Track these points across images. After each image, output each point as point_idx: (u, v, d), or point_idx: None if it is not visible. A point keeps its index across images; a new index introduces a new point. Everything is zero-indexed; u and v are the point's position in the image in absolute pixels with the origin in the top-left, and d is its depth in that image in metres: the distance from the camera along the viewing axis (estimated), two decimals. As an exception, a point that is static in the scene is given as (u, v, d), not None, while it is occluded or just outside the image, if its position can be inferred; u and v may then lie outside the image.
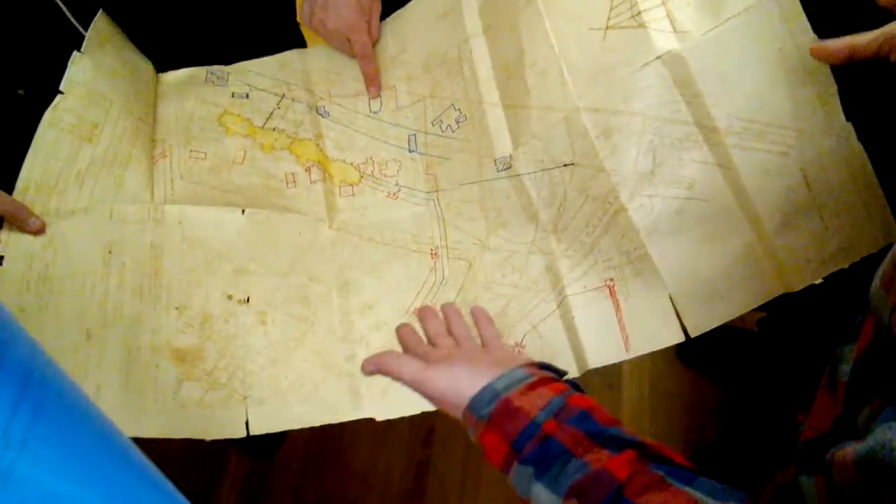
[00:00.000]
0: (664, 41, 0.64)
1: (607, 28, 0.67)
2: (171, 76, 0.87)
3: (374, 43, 0.86)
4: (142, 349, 0.67)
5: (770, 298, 0.63)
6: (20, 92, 0.75)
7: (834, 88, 0.60)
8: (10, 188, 0.69)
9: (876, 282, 0.39)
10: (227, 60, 0.88)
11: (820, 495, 0.38)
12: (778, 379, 1.07)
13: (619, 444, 0.46)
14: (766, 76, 0.61)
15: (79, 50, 0.75)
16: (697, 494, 0.41)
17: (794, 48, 0.60)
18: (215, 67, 0.87)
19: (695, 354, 1.36)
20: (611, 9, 0.67)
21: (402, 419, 1.42)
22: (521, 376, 0.52)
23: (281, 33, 0.91)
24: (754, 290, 0.64)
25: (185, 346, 0.69)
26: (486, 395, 0.51)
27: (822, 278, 0.62)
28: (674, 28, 0.64)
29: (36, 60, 0.76)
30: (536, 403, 0.50)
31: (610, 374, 1.40)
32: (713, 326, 0.64)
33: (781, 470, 0.50)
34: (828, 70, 0.59)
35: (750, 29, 0.61)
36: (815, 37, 0.59)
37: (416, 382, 0.55)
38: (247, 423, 0.66)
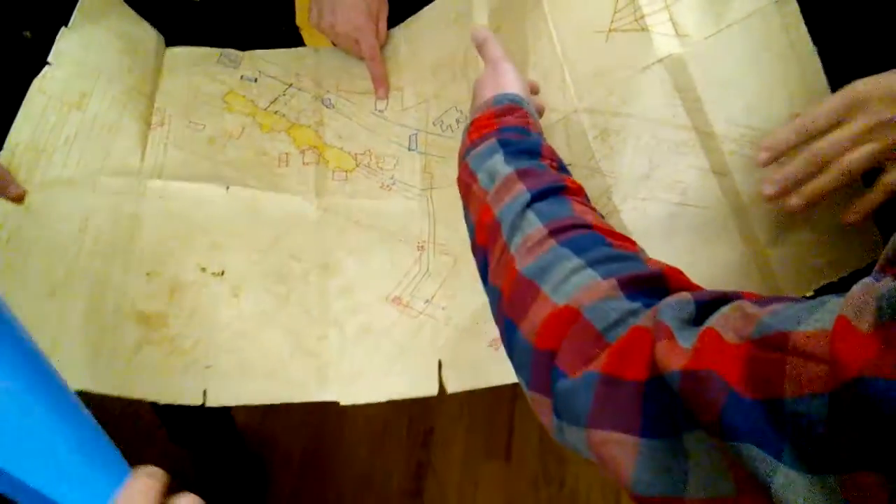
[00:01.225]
0: (666, 44, 0.62)
1: (610, 31, 0.66)
2: (183, 51, 0.86)
3: (382, 45, 0.85)
4: (105, 310, 0.66)
5: None
6: (27, 34, 0.75)
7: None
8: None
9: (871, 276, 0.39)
10: (242, 49, 0.88)
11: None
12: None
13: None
14: (765, 83, 0.60)
15: (66, 24, 0.75)
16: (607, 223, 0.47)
17: (793, 57, 0.59)
18: (229, 50, 0.87)
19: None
20: (615, 11, 0.66)
21: (400, 420, 1.45)
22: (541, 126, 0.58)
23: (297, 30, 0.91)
24: None
25: (150, 310, 0.68)
26: (517, 98, 0.58)
27: (813, 291, 0.60)
28: (676, 32, 0.62)
29: (43, 2, 0.76)
30: (538, 129, 0.56)
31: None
32: None
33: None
34: (824, 81, 0.58)
35: (751, 35, 0.60)
36: (814, 48, 0.58)
37: (496, 60, 0.61)
38: (205, 393, 0.65)
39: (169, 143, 0.78)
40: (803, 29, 0.59)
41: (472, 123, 0.57)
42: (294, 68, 0.87)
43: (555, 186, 0.48)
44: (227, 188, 0.75)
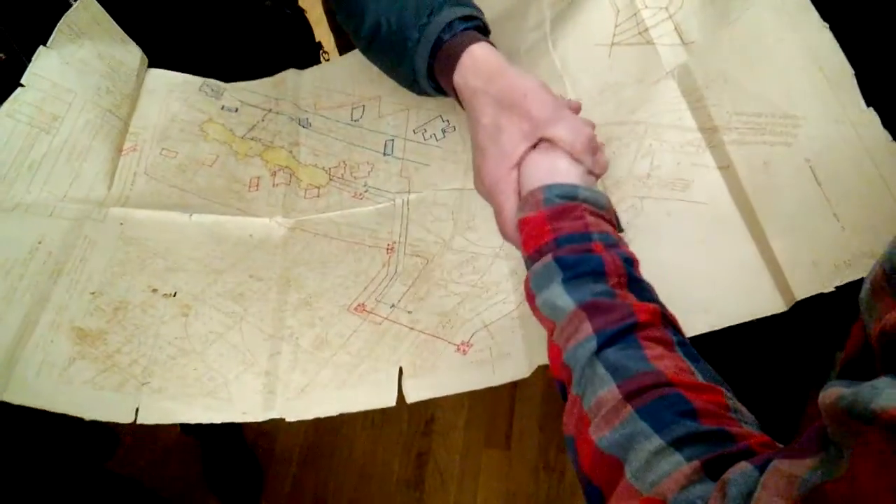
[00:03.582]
0: (673, 55, 0.61)
1: (613, 45, 0.65)
2: (164, 75, 0.84)
3: None
4: (39, 325, 0.64)
5: (767, 313, 0.54)
6: (1, 56, 0.72)
7: (849, 74, 0.53)
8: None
9: (866, 287, 0.36)
10: (227, 79, 0.85)
11: None
12: (777, 384, 1.04)
13: (649, 299, 0.46)
14: (767, 68, 0.57)
15: (45, 43, 0.72)
16: (694, 368, 0.41)
17: (798, 38, 0.55)
18: (212, 81, 0.84)
19: (694, 346, 1.32)
20: (615, 25, 0.65)
21: (401, 409, 1.43)
22: (604, 202, 0.51)
23: (283, 59, 0.87)
24: (747, 302, 0.55)
25: (88, 327, 0.64)
26: (569, 189, 0.50)
27: (836, 287, 0.52)
28: (682, 40, 0.61)
29: (19, 24, 0.73)
30: (600, 227, 0.49)
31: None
32: (692, 335, 0.54)
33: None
34: (841, 55, 0.53)
35: (750, 27, 0.57)
36: (823, 23, 0.54)
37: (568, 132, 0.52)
38: (137, 411, 0.61)
39: (139, 171, 0.76)
40: (809, 6, 0.55)
41: (522, 224, 0.50)
42: (274, 94, 0.84)
43: (625, 326, 0.42)
44: (191, 216, 0.73)
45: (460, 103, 0.59)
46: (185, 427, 1.32)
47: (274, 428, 1.43)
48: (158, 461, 1.38)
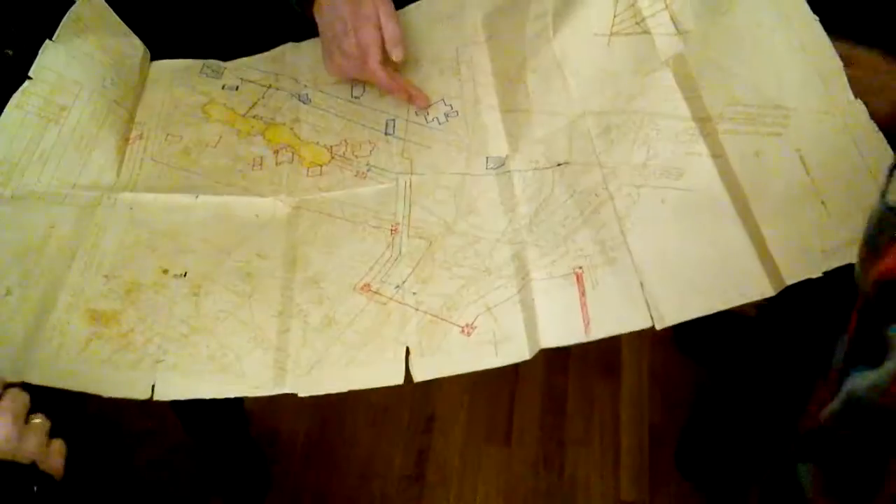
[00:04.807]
0: (668, 45, 0.63)
1: (611, 34, 0.67)
2: (167, 64, 0.86)
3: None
4: (57, 308, 0.66)
5: (758, 297, 0.55)
6: (8, 52, 0.74)
7: (838, 65, 0.55)
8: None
9: (858, 257, 0.38)
10: (227, 58, 0.87)
11: (815, 481, 0.37)
12: (775, 367, 1.05)
13: None
14: (759, 60, 0.59)
15: (51, 38, 0.74)
16: None
17: (788, 30, 0.58)
18: (212, 62, 0.86)
19: (691, 342, 1.34)
20: (614, 15, 0.67)
21: (402, 406, 1.45)
22: None
23: (281, 34, 0.89)
24: (737, 286, 0.57)
25: (102, 308, 0.66)
26: None
27: (824, 273, 0.54)
28: (677, 30, 0.63)
29: (25, 21, 0.75)
30: None
31: (610, 359, 1.40)
32: (686, 318, 0.57)
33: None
34: (830, 47, 0.56)
35: (743, 18, 0.60)
36: (813, 16, 0.57)
37: None
38: (153, 388, 0.63)
39: (145, 157, 0.78)
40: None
41: None
42: (273, 68, 0.86)
43: None
44: (197, 196, 0.74)
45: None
46: (188, 428, 1.32)
47: (277, 424, 1.43)
48: (163, 459, 1.39)
